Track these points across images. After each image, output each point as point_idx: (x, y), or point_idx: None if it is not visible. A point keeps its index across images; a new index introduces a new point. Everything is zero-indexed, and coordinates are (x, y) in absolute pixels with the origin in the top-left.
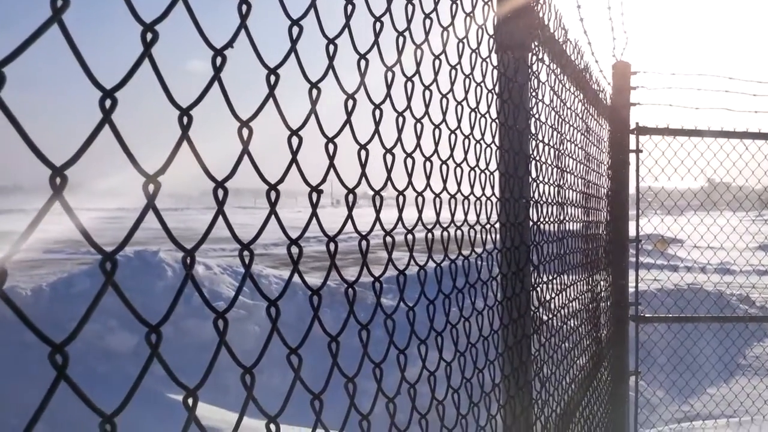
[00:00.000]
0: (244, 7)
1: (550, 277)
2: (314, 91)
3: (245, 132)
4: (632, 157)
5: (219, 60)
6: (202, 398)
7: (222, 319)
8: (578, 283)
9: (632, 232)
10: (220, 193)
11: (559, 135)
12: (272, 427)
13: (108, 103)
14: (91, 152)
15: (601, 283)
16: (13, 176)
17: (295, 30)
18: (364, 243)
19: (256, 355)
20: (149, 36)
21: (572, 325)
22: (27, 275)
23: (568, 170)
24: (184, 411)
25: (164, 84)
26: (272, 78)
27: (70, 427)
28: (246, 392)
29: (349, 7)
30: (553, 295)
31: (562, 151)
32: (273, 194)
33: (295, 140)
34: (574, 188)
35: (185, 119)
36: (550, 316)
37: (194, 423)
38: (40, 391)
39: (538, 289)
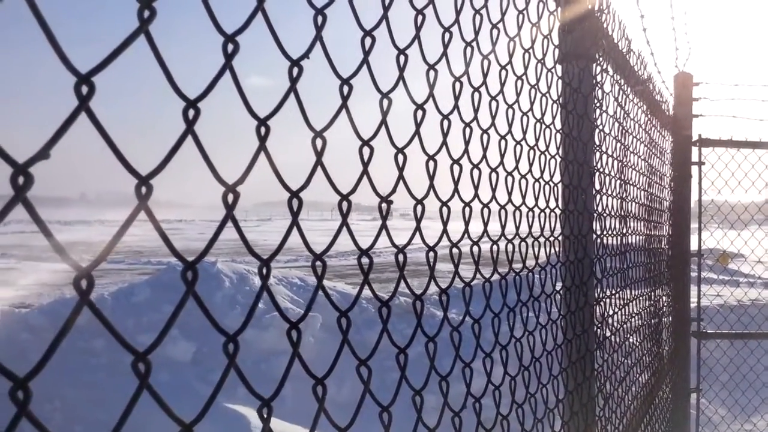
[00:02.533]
0: (320, 19)
1: (613, 292)
2: (385, 102)
3: (319, 142)
4: (695, 169)
5: (296, 71)
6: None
7: (296, 330)
8: (640, 298)
9: (694, 247)
10: (295, 203)
11: (622, 146)
12: None
13: (191, 113)
14: (146, 163)
15: (663, 298)
16: (80, 187)
17: (368, 41)
18: (431, 255)
19: (312, 367)
20: (230, 47)
21: (634, 341)
22: None
23: (631, 182)
24: (241, 421)
25: (243, 95)
26: (345, 89)
27: None
28: (314, 400)
29: (419, 18)
30: (616, 309)
31: (626, 163)
32: (345, 204)
33: (366, 150)
34: (636, 201)
35: (263, 129)
36: (613, 331)
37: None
38: (106, 397)
39: (601, 303)
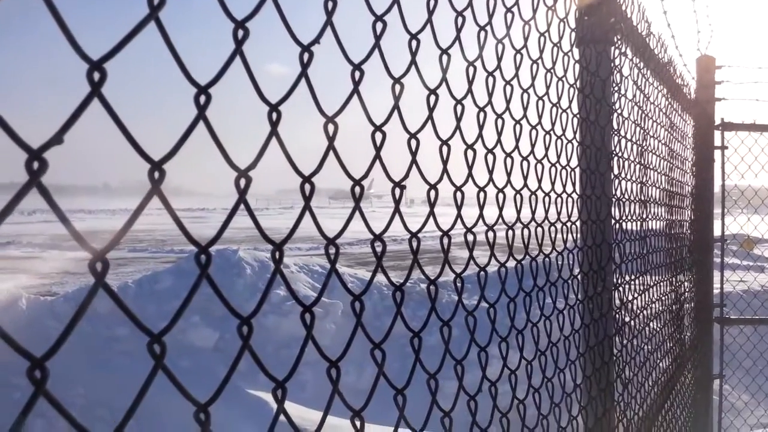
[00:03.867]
0: (330, 4)
1: (632, 277)
2: (397, 87)
3: (331, 127)
4: (717, 153)
5: (306, 56)
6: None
7: (309, 313)
8: (661, 284)
9: (717, 232)
10: (307, 188)
11: (642, 131)
12: (357, 421)
13: (203, 99)
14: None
15: (685, 283)
16: (103, 176)
17: (379, 26)
18: (446, 240)
19: (331, 353)
20: (240, 33)
21: (654, 326)
22: (113, 273)
23: (651, 167)
24: (264, 406)
25: (254, 81)
26: (357, 74)
27: (151, 417)
28: (331, 386)
29: (432, 3)
30: (636, 295)
31: (645, 148)
32: (357, 190)
33: (378, 136)
34: (657, 185)
35: (274, 115)
36: (632, 316)
37: (283, 415)
38: (126, 382)
39: (620, 288)
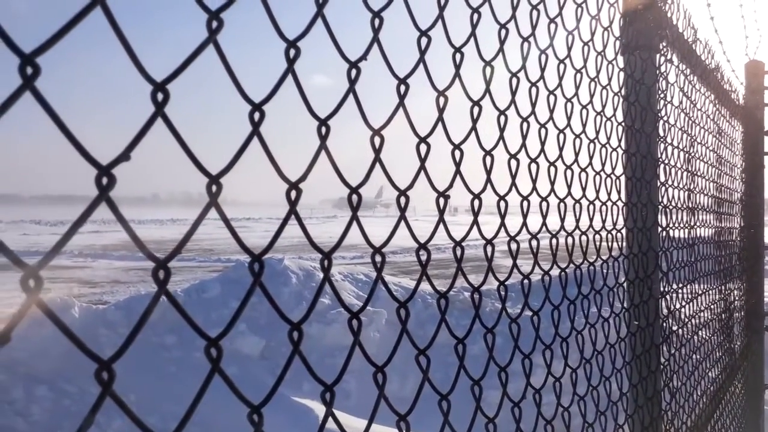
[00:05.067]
0: (377, 21)
1: (680, 285)
2: (441, 99)
3: (377, 140)
4: (767, 159)
5: (354, 72)
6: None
7: (356, 320)
8: (710, 292)
9: None
10: (354, 198)
11: (689, 137)
12: (402, 425)
13: (257, 116)
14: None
15: (735, 291)
16: (152, 187)
17: (424, 40)
18: (489, 248)
19: (377, 360)
20: (292, 52)
21: (703, 335)
22: None
23: (698, 174)
24: (309, 413)
25: (305, 98)
26: (402, 88)
27: (200, 424)
28: (376, 393)
29: (475, 16)
30: (683, 303)
31: (693, 154)
32: (403, 200)
33: (423, 147)
34: (705, 192)
35: (323, 129)
36: (680, 325)
37: (331, 418)
38: (178, 390)
39: (667, 297)
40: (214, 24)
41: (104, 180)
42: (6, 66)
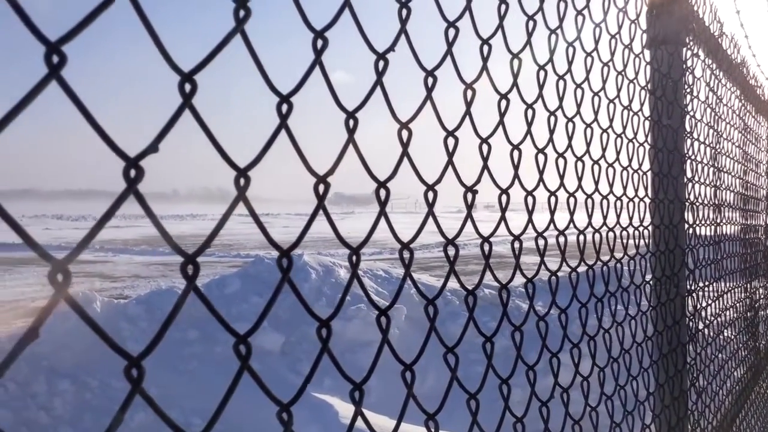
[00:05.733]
0: (404, 12)
1: (706, 283)
2: (469, 92)
3: (405, 133)
4: None
5: (381, 64)
6: (345, 398)
7: (385, 317)
8: (735, 290)
9: None
10: (383, 193)
11: (715, 133)
12: (431, 424)
13: (285, 108)
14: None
15: (760, 290)
16: (172, 183)
17: (452, 32)
18: (516, 244)
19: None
20: (320, 43)
21: (728, 334)
22: (181, 277)
23: (724, 170)
24: (329, 410)
25: (332, 89)
26: (430, 80)
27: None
28: (397, 390)
29: (503, 7)
30: (709, 301)
31: (719, 150)
32: (431, 195)
33: (451, 141)
34: (731, 189)
35: (351, 122)
36: (706, 323)
37: (360, 417)
38: (200, 385)
39: (694, 295)
40: (242, 13)
41: (132, 172)
42: (30, 55)
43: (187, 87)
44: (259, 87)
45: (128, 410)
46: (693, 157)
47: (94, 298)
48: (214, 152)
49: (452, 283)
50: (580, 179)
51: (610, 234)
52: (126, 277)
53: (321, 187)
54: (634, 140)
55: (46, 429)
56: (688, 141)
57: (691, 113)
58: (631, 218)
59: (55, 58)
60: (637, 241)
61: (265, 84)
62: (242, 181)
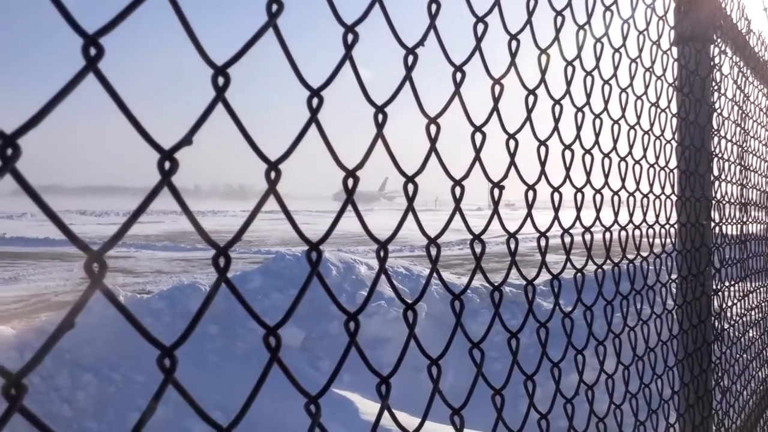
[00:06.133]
0: (434, 7)
1: (731, 282)
2: (497, 88)
3: (433, 128)
4: None
5: (411, 59)
6: (365, 394)
7: (411, 311)
8: (760, 290)
9: None
10: (410, 188)
11: (742, 131)
12: (456, 419)
13: (315, 102)
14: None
15: None
16: (194, 179)
17: (480, 27)
18: (543, 241)
19: (417, 353)
20: (350, 37)
21: (753, 334)
22: (204, 272)
23: (751, 168)
24: (350, 406)
25: (362, 84)
26: (458, 75)
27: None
28: (432, 385)
29: (532, 3)
30: (735, 301)
31: (746, 148)
32: (458, 190)
33: (478, 137)
34: (758, 188)
35: (380, 117)
36: (731, 323)
37: (387, 411)
38: (221, 380)
39: (719, 294)
40: (274, 7)
41: (167, 164)
42: (66, 48)
43: (221, 80)
44: (273, 81)
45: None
46: (720, 155)
47: (118, 293)
48: (237, 149)
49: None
50: (606, 176)
51: (636, 232)
52: (148, 272)
53: (350, 181)
54: (661, 137)
55: (70, 422)
56: (715, 138)
57: (719, 110)
58: (657, 216)
59: (93, 51)
60: (663, 239)
61: (266, 81)
62: (273, 174)
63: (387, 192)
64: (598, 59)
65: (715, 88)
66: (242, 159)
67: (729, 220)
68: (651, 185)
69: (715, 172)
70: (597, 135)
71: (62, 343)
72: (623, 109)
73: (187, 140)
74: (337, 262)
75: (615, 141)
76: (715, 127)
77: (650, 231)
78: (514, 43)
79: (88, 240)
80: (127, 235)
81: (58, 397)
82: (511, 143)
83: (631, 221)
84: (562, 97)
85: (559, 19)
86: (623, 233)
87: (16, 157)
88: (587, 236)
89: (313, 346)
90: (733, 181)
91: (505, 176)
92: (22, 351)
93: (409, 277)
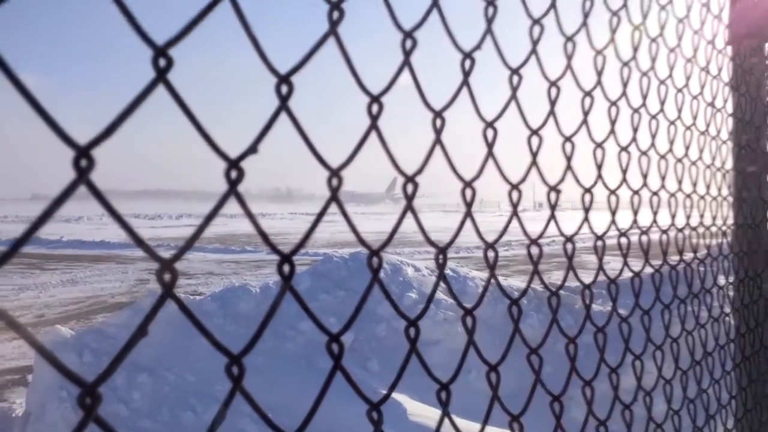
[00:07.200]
0: (491, 10)
1: None
2: (553, 90)
3: (490, 132)
4: None
5: (468, 63)
6: (413, 395)
7: (471, 316)
8: None
9: None
10: (468, 193)
11: None
12: (516, 426)
13: (375, 108)
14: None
15: None
16: (244, 183)
17: (536, 29)
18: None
19: (466, 357)
20: (409, 43)
21: None
22: (254, 274)
23: None
24: (398, 407)
25: (420, 90)
26: (515, 79)
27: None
28: (491, 391)
29: (587, 4)
30: None
31: None
32: (515, 194)
33: (535, 140)
34: None
35: (438, 121)
36: None
37: (447, 418)
38: (270, 381)
39: None
40: (335, 15)
41: (233, 174)
42: (134, 60)
43: (284, 89)
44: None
45: (203, 403)
46: None
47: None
48: (286, 153)
49: (520, 282)
50: (663, 178)
51: (693, 233)
52: (200, 274)
53: (409, 187)
54: (717, 138)
55: (126, 421)
56: None
57: None
58: (714, 218)
59: (162, 62)
60: (719, 239)
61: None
62: (335, 181)
63: (394, 194)
64: (653, 60)
65: None
66: (291, 163)
67: None
68: (708, 187)
69: None
70: (653, 137)
71: (120, 344)
72: (679, 110)
73: (252, 149)
74: (384, 264)
75: (671, 142)
76: None
77: (707, 233)
78: (569, 45)
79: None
80: (179, 236)
81: (115, 396)
82: (567, 146)
83: (688, 224)
84: (618, 99)
85: (615, 20)
86: (680, 235)
87: (90, 169)
88: (644, 239)
89: (361, 348)
90: None
91: (562, 179)
92: (80, 352)
93: (456, 279)
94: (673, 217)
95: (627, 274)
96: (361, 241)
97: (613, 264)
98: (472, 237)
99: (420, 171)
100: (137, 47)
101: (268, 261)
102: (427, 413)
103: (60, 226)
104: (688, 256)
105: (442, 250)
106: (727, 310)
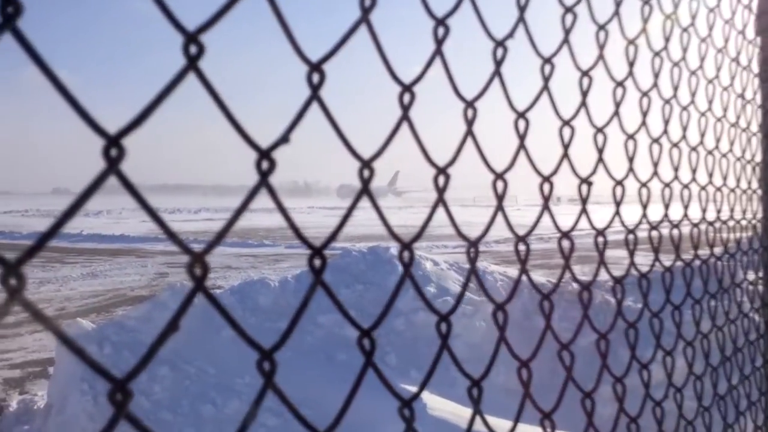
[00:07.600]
0: (522, 1)
1: None
2: (585, 80)
3: (521, 124)
4: None
5: (500, 52)
6: (432, 390)
7: (502, 312)
8: None
9: None
10: (500, 185)
11: None
12: (547, 424)
13: (407, 98)
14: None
15: None
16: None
17: (569, 18)
18: (632, 237)
19: (482, 350)
20: (441, 31)
21: None
22: (272, 268)
23: None
24: (417, 401)
25: (452, 79)
26: (547, 68)
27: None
28: (522, 387)
29: None
30: None
31: None
32: (546, 187)
33: (567, 131)
34: None
35: (470, 112)
36: None
37: (478, 416)
38: (292, 375)
39: None
40: (367, 2)
41: (264, 164)
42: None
43: (315, 78)
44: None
45: (222, 396)
46: None
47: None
48: (306, 146)
49: (539, 277)
50: (694, 171)
51: (723, 227)
52: (218, 267)
53: (441, 179)
54: (747, 130)
55: (147, 414)
56: None
57: None
58: (744, 211)
59: (194, 49)
60: (749, 233)
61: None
62: (366, 172)
63: (396, 187)
64: (684, 50)
65: None
66: (309, 156)
67: None
68: (738, 180)
69: None
70: (684, 129)
71: (141, 338)
72: (710, 102)
73: (284, 139)
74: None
75: (702, 134)
76: None
77: (737, 226)
78: (602, 34)
79: (160, 236)
80: (198, 230)
81: (136, 389)
82: (599, 137)
83: (718, 217)
84: (650, 90)
85: (647, 9)
86: (710, 229)
87: (121, 158)
88: (675, 232)
89: (380, 342)
90: None
91: (594, 171)
92: (101, 345)
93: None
94: (704, 210)
95: (652, 269)
96: (393, 235)
97: (637, 259)
98: (492, 231)
99: (452, 162)
100: (154, 45)
101: (286, 255)
102: (447, 407)
103: (80, 221)
104: (718, 250)
105: (473, 244)
106: (757, 305)
